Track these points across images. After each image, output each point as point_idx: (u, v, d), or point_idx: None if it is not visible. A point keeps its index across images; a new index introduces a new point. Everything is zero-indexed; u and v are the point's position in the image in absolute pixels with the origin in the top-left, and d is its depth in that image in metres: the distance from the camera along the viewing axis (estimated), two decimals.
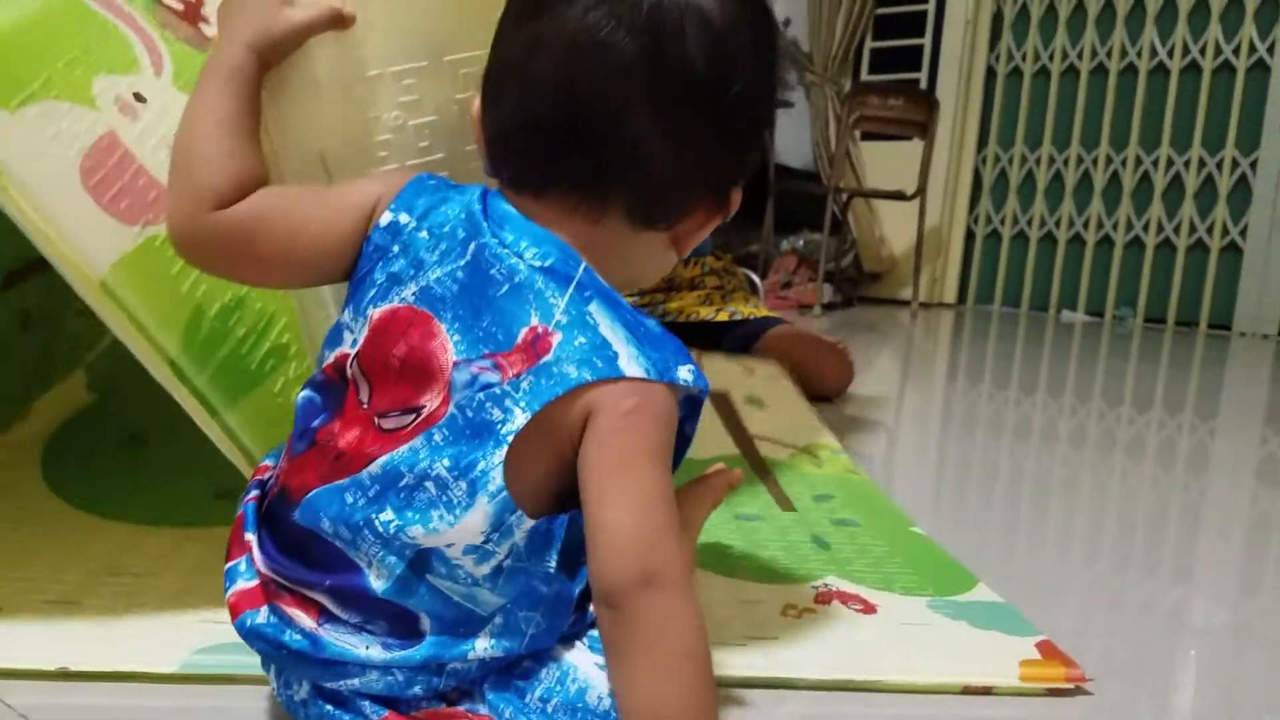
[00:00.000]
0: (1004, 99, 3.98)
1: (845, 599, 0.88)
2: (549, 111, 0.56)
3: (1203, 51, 3.57)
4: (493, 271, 0.55)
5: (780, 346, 1.94)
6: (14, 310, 1.03)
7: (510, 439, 0.52)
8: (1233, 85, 3.54)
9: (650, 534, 0.51)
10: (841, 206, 3.91)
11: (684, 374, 0.55)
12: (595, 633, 0.55)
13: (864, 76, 4.20)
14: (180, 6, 0.86)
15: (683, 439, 0.58)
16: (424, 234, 0.58)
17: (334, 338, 0.59)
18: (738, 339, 1.98)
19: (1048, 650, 0.80)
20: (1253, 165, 3.53)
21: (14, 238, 0.75)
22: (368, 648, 0.54)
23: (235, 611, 0.57)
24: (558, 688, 0.54)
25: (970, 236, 4.15)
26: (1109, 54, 3.74)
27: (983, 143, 4.03)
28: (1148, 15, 3.65)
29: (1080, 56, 3.80)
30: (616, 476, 0.52)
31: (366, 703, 0.55)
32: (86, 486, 0.98)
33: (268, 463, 0.65)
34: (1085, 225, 3.86)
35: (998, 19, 3.96)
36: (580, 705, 0.53)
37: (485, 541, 0.53)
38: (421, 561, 0.53)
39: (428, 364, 0.54)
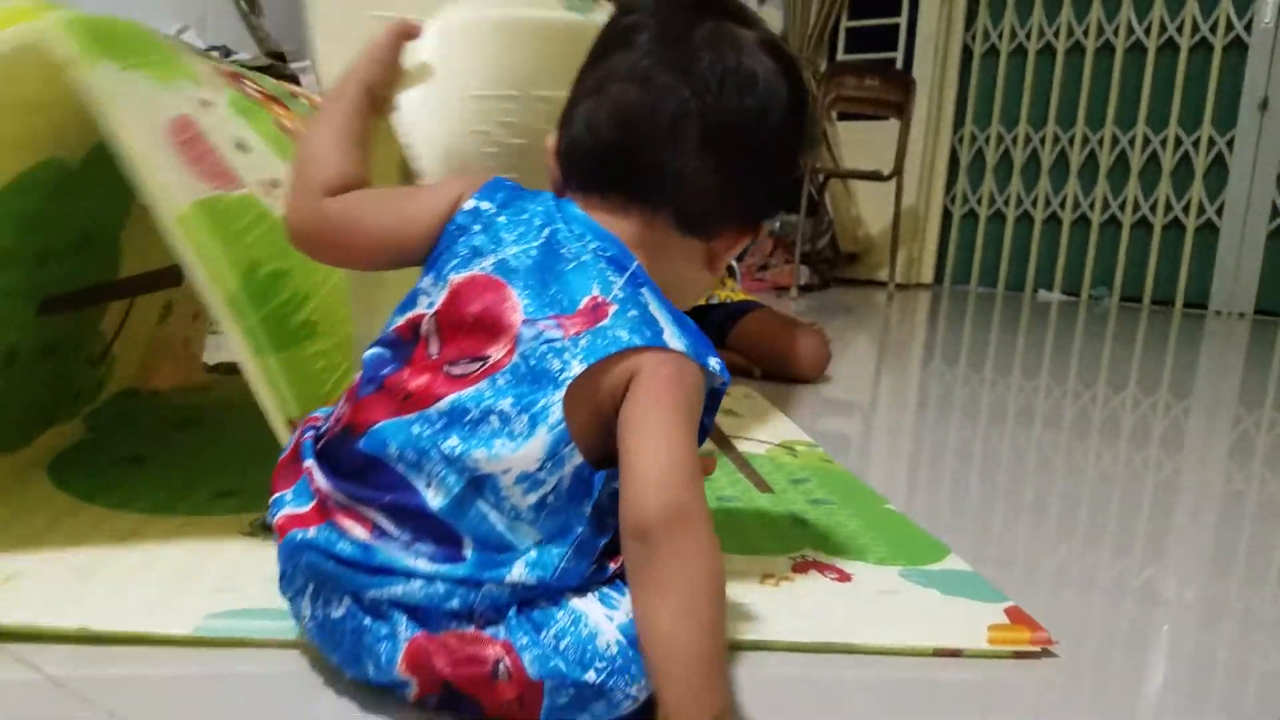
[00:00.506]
0: (980, 78, 3.98)
1: (821, 569, 0.91)
2: (610, 137, 0.68)
3: (1180, 29, 3.57)
4: (563, 251, 0.66)
5: (756, 330, 1.93)
6: (43, 337, 1.07)
7: (568, 384, 0.60)
8: (1209, 63, 3.55)
9: (682, 476, 0.59)
10: (818, 187, 3.90)
11: (713, 363, 0.64)
12: (606, 589, 0.62)
13: (840, 56, 4.18)
14: (258, 95, 1.03)
15: (701, 430, 0.65)
16: (503, 219, 0.68)
17: (408, 302, 0.68)
18: (714, 322, 1.97)
19: (1015, 615, 0.83)
20: (1229, 143, 3.54)
21: (62, 263, 0.97)
22: (415, 559, 0.60)
23: (283, 532, 0.64)
24: (571, 629, 0.59)
25: (947, 216, 4.15)
26: (1085, 32, 3.74)
27: (959, 122, 4.03)
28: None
29: (1057, 35, 3.80)
30: (652, 427, 0.60)
31: (402, 619, 0.60)
32: (93, 485, 1.02)
33: (319, 414, 0.73)
34: (1062, 205, 3.86)
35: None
36: (589, 648, 0.59)
37: (539, 470, 0.60)
38: (477, 486, 0.60)
39: (498, 321, 0.63)
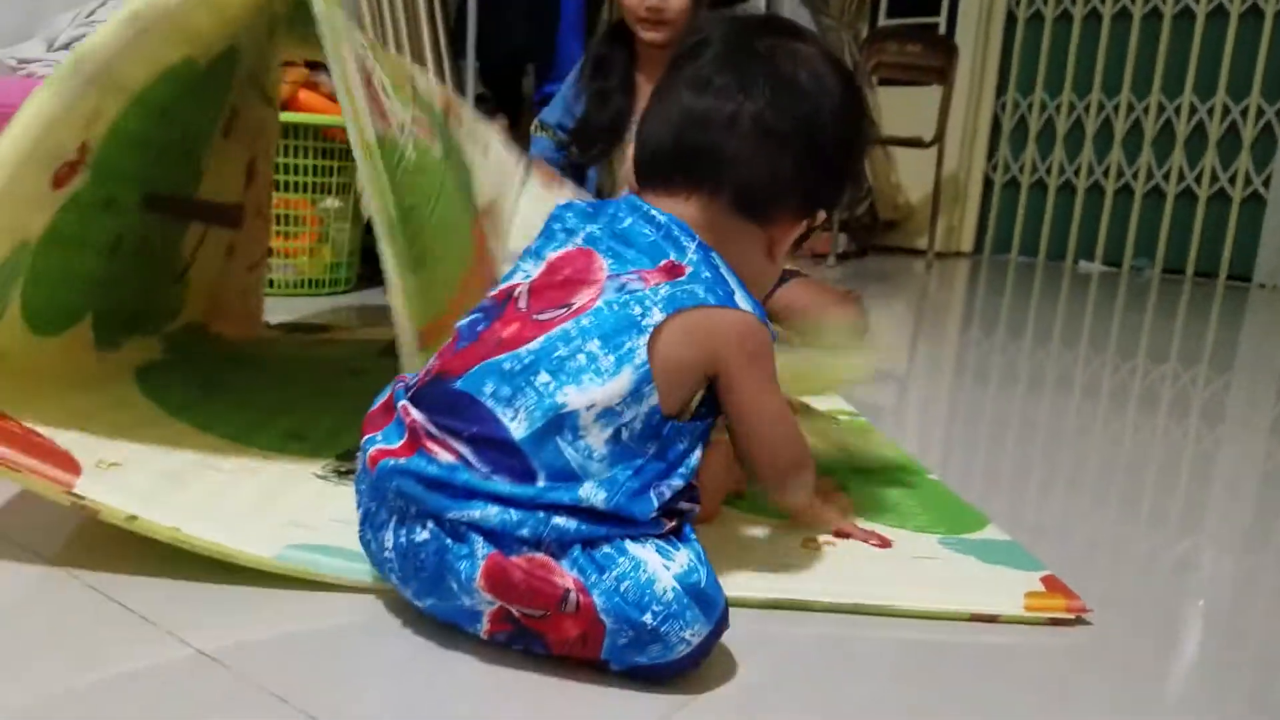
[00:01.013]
0: (1024, 44, 3.94)
1: (863, 536, 0.93)
2: (672, 133, 0.78)
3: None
4: (642, 229, 0.75)
5: (795, 297, 1.95)
6: (142, 233, 1.15)
7: (651, 329, 0.69)
8: (1260, 30, 3.49)
9: (795, 431, 0.80)
10: None
11: (771, 329, 0.75)
12: (662, 542, 0.68)
13: (881, 21, 4.15)
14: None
15: None
16: (590, 210, 0.79)
17: (509, 275, 0.77)
18: None
19: (1051, 584, 0.85)
20: (1278, 114, 3.49)
21: (165, 164, 1.09)
22: (494, 484, 0.66)
23: (374, 461, 0.70)
24: (631, 573, 0.64)
25: (988, 184, 4.12)
26: (1105, 173, 3.69)
27: (1002, 89, 3.99)
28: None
29: (1103, 1, 3.75)
30: (762, 400, 0.76)
31: (479, 540, 0.65)
32: (176, 402, 1.09)
33: (406, 375, 0.78)
34: (1105, 174, 3.83)
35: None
36: (648, 592, 0.64)
37: (619, 405, 0.68)
38: (558, 423, 0.67)
39: (585, 277, 0.72)
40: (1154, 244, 3.76)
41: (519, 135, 3.52)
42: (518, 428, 0.67)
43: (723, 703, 0.66)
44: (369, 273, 2.61)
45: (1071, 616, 0.81)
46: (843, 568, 0.86)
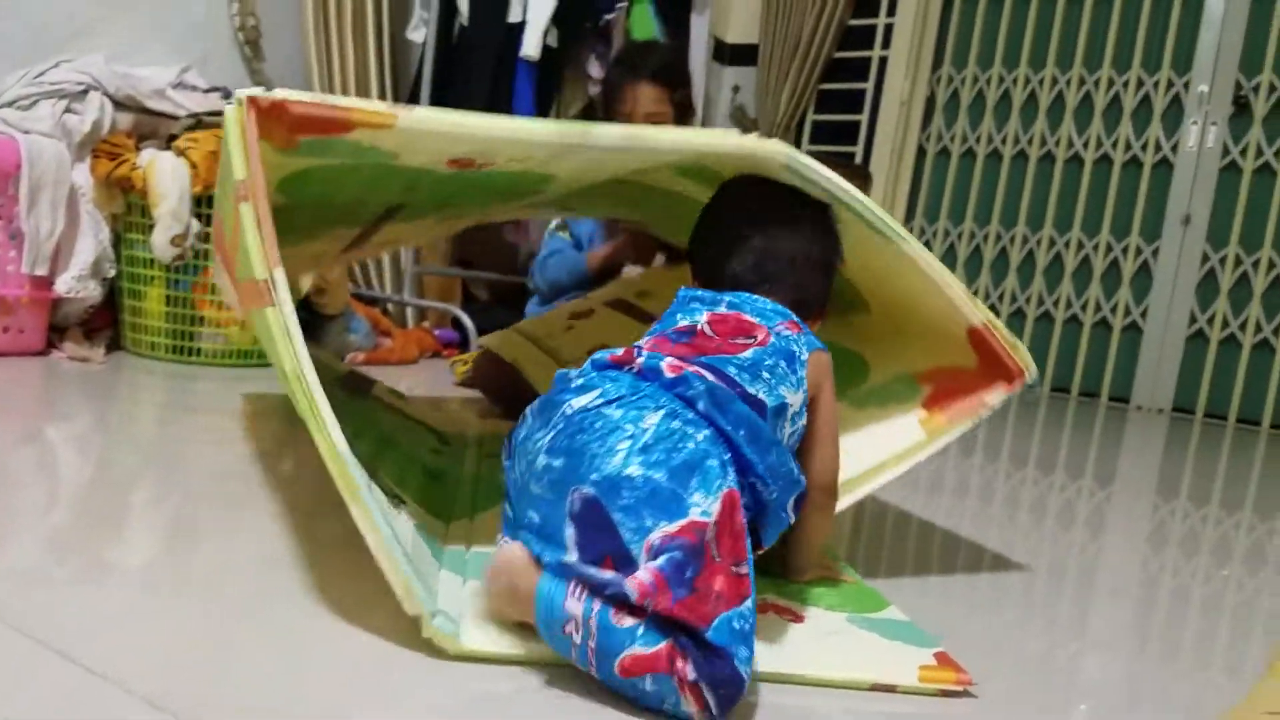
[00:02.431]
0: (932, 176, 4.21)
1: (779, 611, 1.03)
2: (759, 264, 1.14)
3: (1114, 145, 3.84)
4: (764, 305, 1.09)
5: None
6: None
7: (804, 360, 1.04)
8: (1139, 179, 3.81)
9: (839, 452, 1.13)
10: None
11: None
12: None
13: (805, 147, 4.40)
14: None
15: None
16: (712, 295, 1.11)
17: (671, 320, 1.08)
18: None
19: (943, 659, 0.95)
20: (1154, 253, 3.79)
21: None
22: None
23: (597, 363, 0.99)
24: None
25: None
26: (1030, 141, 3.99)
27: (910, 215, 4.25)
28: (1066, 109, 3.91)
29: (1004, 142, 4.05)
30: (834, 413, 1.10)
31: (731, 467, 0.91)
32: None
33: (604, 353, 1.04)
34: (1000, 298, 4.08)
35: (930, 101, 4.19)
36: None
37: (799, 413, 1.03)
38: (781, 409, 0.99)
39: (748, 324, 1.05)
40: (1044, 364, 4.00)
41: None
42: (768, 397, 0.97)
43: None
44: None
45: (959, 688, 0.91)
46: (760, 639, 0.91)
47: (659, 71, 2.13)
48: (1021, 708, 0.93)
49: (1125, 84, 3.82)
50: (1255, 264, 3.62)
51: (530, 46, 3.05)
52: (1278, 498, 2.30)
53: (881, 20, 4.17)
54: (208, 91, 2.65)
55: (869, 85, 4.21)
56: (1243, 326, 3.65)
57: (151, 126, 2.48)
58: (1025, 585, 1.32)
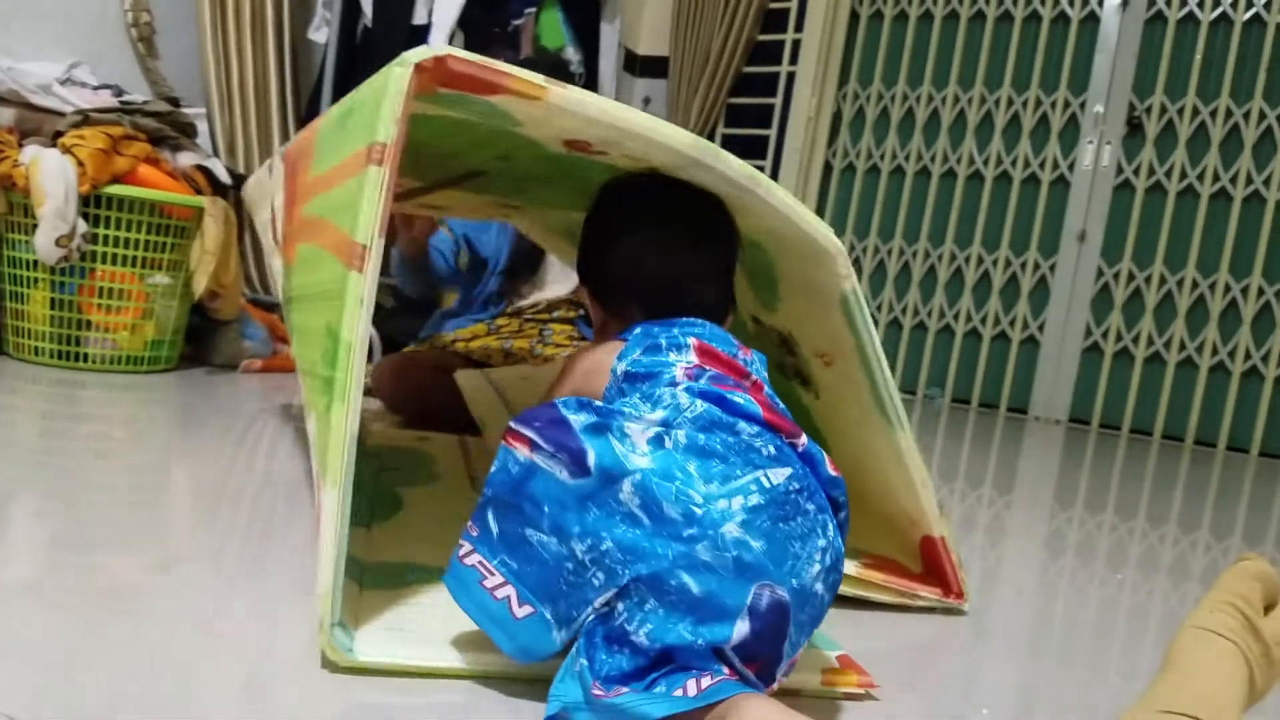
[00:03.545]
0: (838, 192, 4.27)
1: None
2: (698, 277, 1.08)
3: (1014, 164, 3.94)
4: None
5: None
6: None
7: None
8: (1037, 196, 3.92)
9: None
10: None
11: None
12: None
13: None
14: None
15: None
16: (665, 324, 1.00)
17: (663, 364, 0.93)
18: None
19: (846, 662, 0.95)
20: (1052, 268, 3.90)
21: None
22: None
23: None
24: None
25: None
26: (933, 158, 4.07)
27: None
28: (968, 127, 4.01)
29: (908, 158, 4.13)
30: None
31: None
32: None
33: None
34: (903, 311, 4.15)
35: (837, 118, 4.25)
36: None
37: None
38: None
39: (739, 373, 0.94)
40: (945, 376, 4.08)
41: None
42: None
43: None
44: (193, 353, 2.57)
45: (862, 691, 0.91)
46: None
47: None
48: (923, 711, 0.92)
49: (1024, 103, 3.92)
50: (1147, 279, 3.75)
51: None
52: (1169, 505, 2.37)
53: (789, 36, 4.22)
54: (98, 89, 2.55)
55: (777, 100, 4.25)
56: (1135, 340, 3.77)
57: (36, 123, 2.37)
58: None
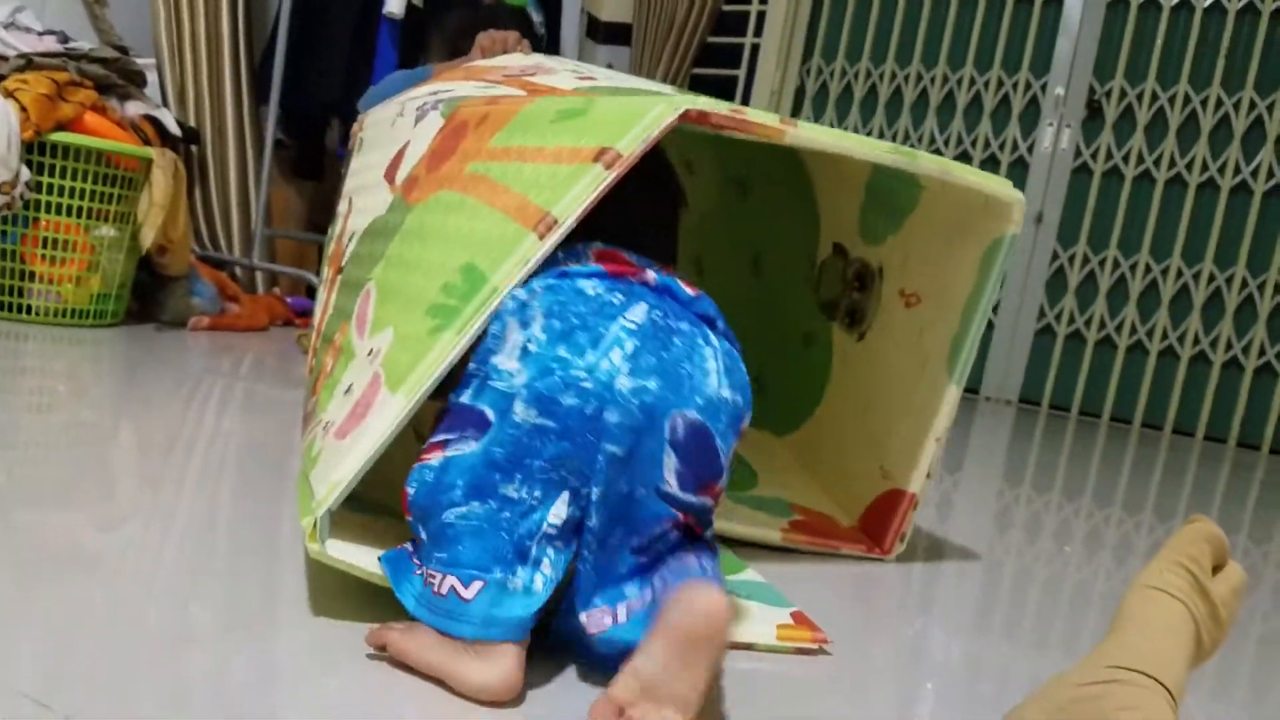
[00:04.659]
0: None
1: None
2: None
3: (973, 144, 3.96)
4: None
5: None
6: None
7: None
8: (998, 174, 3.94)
9: None
10: None
11: None
12: None
13: None
14: None
15: None
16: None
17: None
18: None
19: (799, 618, 0.96)
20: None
21: None
22: None
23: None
24: None
25: None
26: (894, 137, 4.08)
27: None
28: (930, 106, 4.02)
29: (869, 135, 4.13)
30: None
31: None
32: None
33: None
34: None
35: (800, 92, 4.25)
36: None
37: None
38: None
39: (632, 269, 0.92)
40: None
41: (322, 189, 3.49)
42: None
43: (507, 713, 0.71)
44: (140, 309, 2.51)
45: (815, 647, 0.93)
46: None
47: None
48: (872, 665, 0.93)
49: (986, 84, 3.94)
50: (1101, 263, 3.79)
51: (393, 3, 2.95)
52: (1115, 486, 2.41)
53: (755, 7, 4.20)
54: (43, 34, 2.47)
55: (741, 73, 4.23)
56: (1088, 323, 3.82)
57: None
58: (873, 565, 1.33)
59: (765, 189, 1.66)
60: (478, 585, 0.76)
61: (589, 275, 0.86)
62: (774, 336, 1.64)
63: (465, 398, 0.81)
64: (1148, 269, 3.73)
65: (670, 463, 0.78)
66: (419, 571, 0.79)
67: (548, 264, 0.87)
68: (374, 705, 0.71)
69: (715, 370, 0.82)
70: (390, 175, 1.15)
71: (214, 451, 1.45)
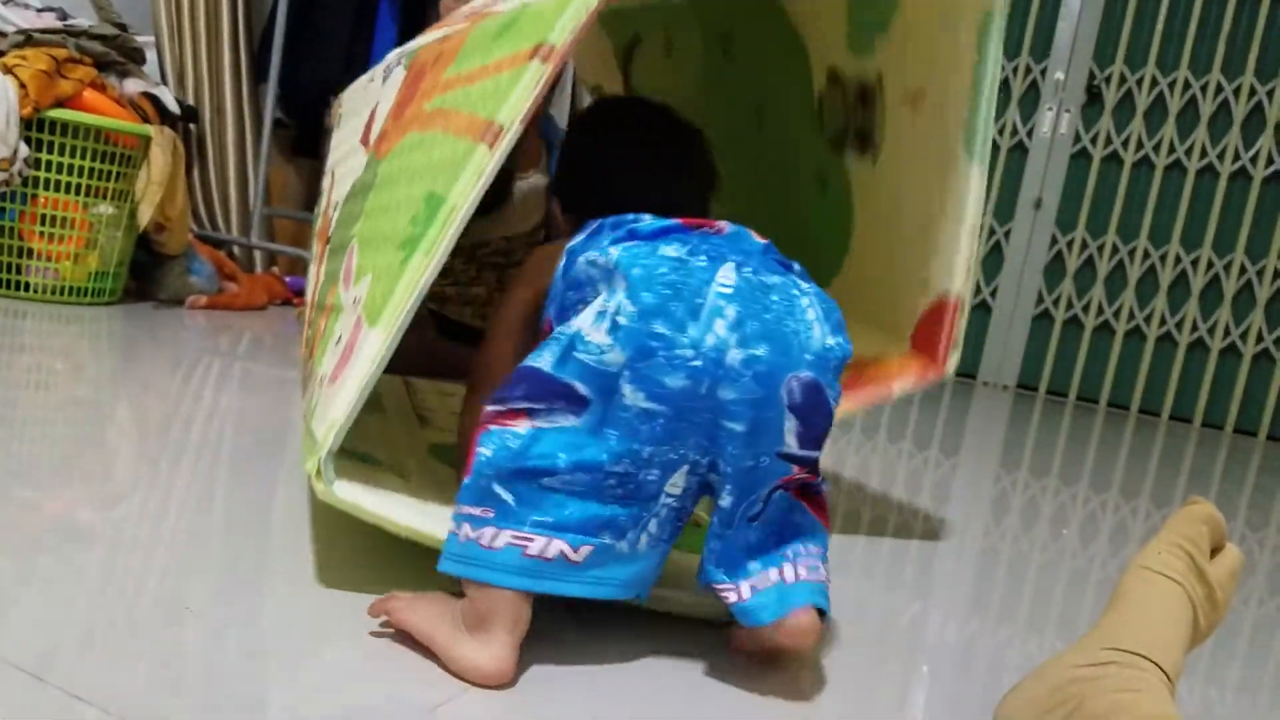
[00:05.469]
0: None
1: None
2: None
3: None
4: None
5: None
6: None
7: None
8: (996, 161, 3.93)
9: None
10: None
11: None
12: None
13: None
14: None
15: None
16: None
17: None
18: None
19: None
20: (1006, 234, 3.93)
21: None
22: None
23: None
24: None
25: None
26: None
27: None
28: None
29: None
30: None
31: None
32: None
33: None
34: None
35: None
36: None
37: None
38: None
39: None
40: None
41: (321, 168, 3.47)
42: None
43: (492, 694, 0.72)
44: (138, 288, 2.51)
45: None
46: None
47: None
48: (868, 648, 0.93)
49: None
50: (1100, 248, 3.79)
51: None
52: (1112, 472, 2.41)
53: None
54: (41, 10, 2.46)
55: None
56: (1086, 308, 3.82)
57: None
58: (870, 549, 1.34)
59: (749, 44, 1.63)
60: (587, 549, 0.75)
61: (663, 232, 0.83)
62: (788, 188, 1.60)
63: (546, 364, 0.76)
64: (1146, 255, 3.73)
65: (790, 425, 0.77)
66: (510, 536, 0.75)
67: (611, 224, 0.87)
68: (369, 678, 0.72)
69: (816, 319, 0.79)
70: (365, 138, 1.16)
71: (211, 429, 1.45)
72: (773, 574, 0.80)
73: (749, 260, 0.80)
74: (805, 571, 0.81)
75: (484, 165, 0.86)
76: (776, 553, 0.81)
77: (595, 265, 0.80)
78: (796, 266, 0.85)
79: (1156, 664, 0.70)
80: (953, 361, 1.28)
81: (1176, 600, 0.75)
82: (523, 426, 0.76)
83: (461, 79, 0.98)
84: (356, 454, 1.07)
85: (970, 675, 0.97)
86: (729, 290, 0.76)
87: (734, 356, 0.75)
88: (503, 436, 0.76)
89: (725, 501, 0.78)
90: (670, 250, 0.79)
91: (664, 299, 0.75)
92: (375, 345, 0.84)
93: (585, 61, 1.99)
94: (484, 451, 0.76)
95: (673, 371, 0.74)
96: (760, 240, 0.87)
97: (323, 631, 0.79)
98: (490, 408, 0.78)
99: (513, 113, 0.87)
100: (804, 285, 0.82)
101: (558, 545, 0.75)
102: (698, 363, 0.74)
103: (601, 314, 0.76)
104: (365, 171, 1.11)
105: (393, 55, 1.24)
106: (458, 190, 0.86)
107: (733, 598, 0.80)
